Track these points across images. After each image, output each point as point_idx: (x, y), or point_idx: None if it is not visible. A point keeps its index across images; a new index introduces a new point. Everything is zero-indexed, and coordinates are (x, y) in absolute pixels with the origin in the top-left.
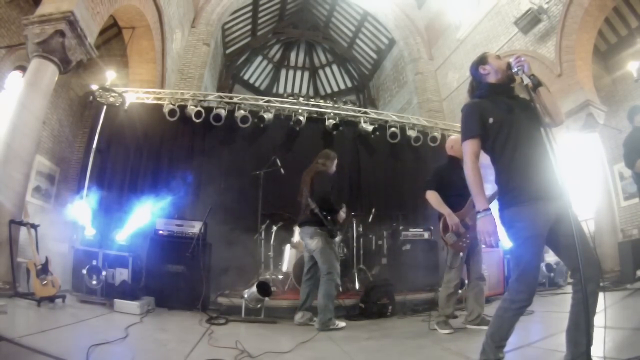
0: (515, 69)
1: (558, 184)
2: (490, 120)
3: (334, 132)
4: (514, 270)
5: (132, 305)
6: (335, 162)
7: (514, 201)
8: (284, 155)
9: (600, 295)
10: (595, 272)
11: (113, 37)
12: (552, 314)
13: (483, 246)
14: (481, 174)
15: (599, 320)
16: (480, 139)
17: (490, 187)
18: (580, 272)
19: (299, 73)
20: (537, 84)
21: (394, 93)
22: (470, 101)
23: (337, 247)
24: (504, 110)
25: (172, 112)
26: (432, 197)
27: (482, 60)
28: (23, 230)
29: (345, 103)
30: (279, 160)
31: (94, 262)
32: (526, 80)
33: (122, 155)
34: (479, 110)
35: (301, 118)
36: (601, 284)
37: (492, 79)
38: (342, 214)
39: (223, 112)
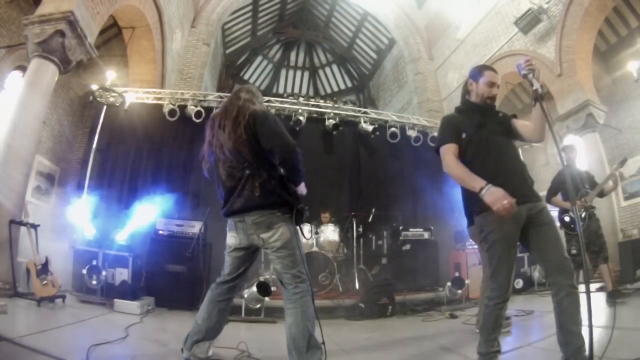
0: (524, 72)
1: (528, 188)
2: (464, 135)
3: (334, 132)
4: (488, 271)
5: (132, 305)
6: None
7: (483, 208)
8: None
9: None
10: (566, 278)
11: (113, 37)
12: (552, 314)
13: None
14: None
15: (597, 320)
16: (456, 145)
17: None
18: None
19: (299, 73)
20: (543, 95)
21: (394, 93)
22: (448, 114)
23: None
24: (475, 126)
25: (172, 112)
26: None
27: (480, 72)
28: (23, 230)
29: (345, 103)
30: None
31: (94, 262)
32: (536, 85)
33: (122, 155)
34: (454, 122)
35: (301, 118)
36: (576, 286)
37: (472, 98)
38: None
39: None
